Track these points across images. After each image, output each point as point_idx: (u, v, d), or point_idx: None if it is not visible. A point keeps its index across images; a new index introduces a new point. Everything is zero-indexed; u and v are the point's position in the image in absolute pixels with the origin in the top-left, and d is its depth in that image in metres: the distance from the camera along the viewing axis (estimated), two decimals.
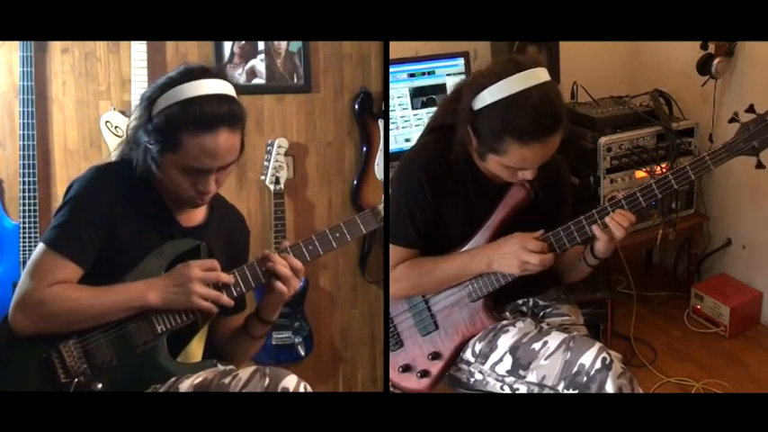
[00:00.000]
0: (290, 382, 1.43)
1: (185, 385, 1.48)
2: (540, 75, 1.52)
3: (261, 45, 2.66)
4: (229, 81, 1.54)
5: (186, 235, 1.60)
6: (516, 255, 1.61)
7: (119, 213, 1.52)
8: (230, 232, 1.71)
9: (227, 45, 2.63)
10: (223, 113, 1.46)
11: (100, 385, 1.48)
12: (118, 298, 1.47)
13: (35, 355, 1.48)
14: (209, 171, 1.49)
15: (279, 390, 1.41)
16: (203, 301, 1.48)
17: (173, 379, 1.51)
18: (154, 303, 1.47)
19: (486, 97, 1.53)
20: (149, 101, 1.50)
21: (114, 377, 1.49)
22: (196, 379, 1.48)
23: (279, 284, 1.52)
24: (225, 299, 1.50)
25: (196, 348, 1.62)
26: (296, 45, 2.69)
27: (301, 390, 1.43)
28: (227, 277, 1.51)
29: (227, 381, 1.44)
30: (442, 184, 1.68)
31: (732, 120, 1.62)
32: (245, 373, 1.45)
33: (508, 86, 1.50)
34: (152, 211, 1.57)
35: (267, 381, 1.42)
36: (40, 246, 1.50)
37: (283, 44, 2.68)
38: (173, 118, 1.45)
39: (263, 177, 2.60)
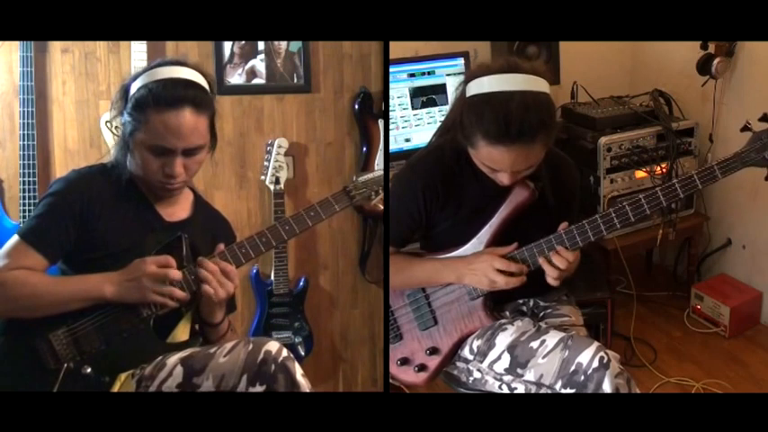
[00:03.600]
0: (272, 346, 1.48)
1: (172, 360, 1.51)
2: (531, 83, 1.50)
3: (261, 45, 2.66)
4: (205, 76, 1.62)
5: (169, 229, 1.64)
6: (485, 272, 1.64)
7: (96, 212, 1.57)
8: (215, 234, 1.73)
9: (227, 45, 2.62)
10: (188, 94, 1.54)
11: (89, 369, 1.52)
12: (75, 288, 1.52)
13: (24, 343, 1.51)
14: (174, 151, 1.54)
15: (261, 353, 1.46)
16: (156, 295, 1.52)
17: (160, 357, 1.54)
18: (109, 296, 1.51)
19: (474, 88, 1.53)
20: (124, 88, 1.60)
21: (103, 361, 1.53)
22: (183, 353, 1.53)
23: (205, 287, 1.56)
24: (178, 293, 1.54)
25: (182, 333, 1.64)
26: (296, 45, 2.69)
27: (284, 353, 1.47)
28: (176, 274, 1.53)
29: (212, 350, 1.50)
30: (441, 192, 1.70)
31: (744, 128, 1.60)
32: (230, 343, 1.51)
33: (494, 83, 1.50)
34: (135, 207, 1.62)
35: (251, 346, 1.48)
36: (15, 233, 1.57)
37: (283, 44, 2.68)
38: (141, 98, 1.54)
39: (263, 177, 2.60)
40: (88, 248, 1.56)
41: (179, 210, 1.69)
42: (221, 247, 1.60)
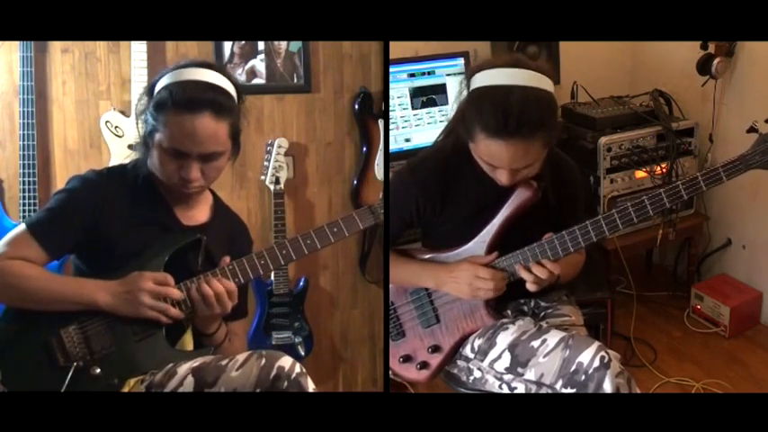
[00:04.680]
0: (286, 361, 1.45)
1: (183, 369, 1.50)
2: (535, 79, 1.50)
3: (261, 45, 2.66)
4: (230, 78, 1.59)
5: (186, 233, 1.62)
6: (467, 281, 1.65)
7: (111, 214, 1.56)
8: (232, 239, 1.72)
9: (227, 45, 2.63)
10: (207, 98, 1.51)
11: (98, 370, 1.51)
12: (68, 290, 1.51)
13: (36, 339, 1.51)
14: (190, 155, 1.52)
15: (275, 369, 1.43)
16: (149, 311, 1.51)
17: (171, 364, 1.53)
18: (102, 304, 1.50)
19: (478, 80, 1.53)
20: (152, 85, 1.58)
21: (113, 363, 1.52)
22: (194, 363, 1.51)
23: (201, 306, 1.55)
24: (173, 311, 1.53)
25: (189, 341, 1.64)
26: (296, 45, 2.69)
27: (297, 369, 1.45)
28: (175, 293, 1.53)
29: (224, 362, 1.48)
30: (439, 197, 1.70)
31: (751, 129, 1.58)
32: (242, 355, 1.48)
33: (497, 76, 1.50)
34: (152, 210, 1.61)
35: (263, 361, 1.45)
36: (23, 222, 1.58)
37: (283, 44, 2.68)
38: (161, 99, 1.51)
39: (263, 177, 2.60)
40: (101, 249, 1.55)
41: (198, 213, 1.67)
42: (227, 260, 1.58)
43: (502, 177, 1.59)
